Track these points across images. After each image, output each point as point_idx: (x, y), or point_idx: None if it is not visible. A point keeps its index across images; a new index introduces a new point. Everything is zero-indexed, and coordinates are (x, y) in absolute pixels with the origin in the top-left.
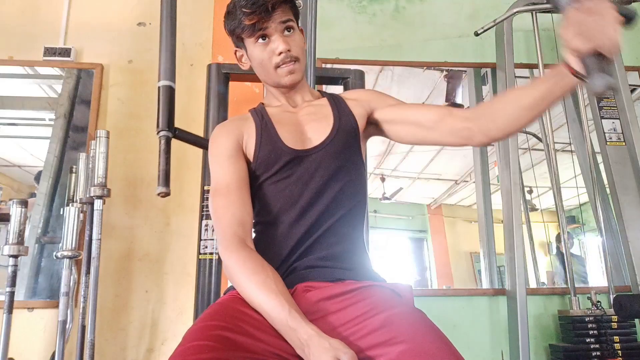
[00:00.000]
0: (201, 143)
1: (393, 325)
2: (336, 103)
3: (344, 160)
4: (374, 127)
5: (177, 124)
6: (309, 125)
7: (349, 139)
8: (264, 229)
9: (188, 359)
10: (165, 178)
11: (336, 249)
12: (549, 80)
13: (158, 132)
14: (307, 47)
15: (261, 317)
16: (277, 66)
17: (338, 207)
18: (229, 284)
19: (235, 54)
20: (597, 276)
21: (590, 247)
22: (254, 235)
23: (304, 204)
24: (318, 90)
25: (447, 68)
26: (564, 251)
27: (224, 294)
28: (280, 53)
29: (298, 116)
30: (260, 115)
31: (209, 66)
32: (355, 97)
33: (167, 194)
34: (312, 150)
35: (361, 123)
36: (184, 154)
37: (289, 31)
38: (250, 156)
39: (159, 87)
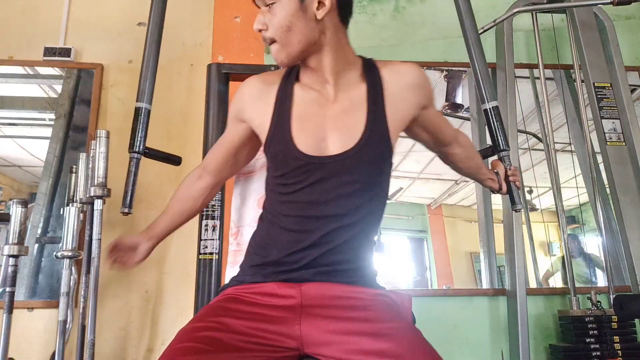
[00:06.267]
0: (172, 160)
1: (387, 339)
2: (375, 98)
3: (366, 176)
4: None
5: (177, 124)
6: (335, 126)
7: (376, 152)
8: (269, 225)
9: None
10: (130, 199)
11: (340, 266)
12: (487, 176)
13: (130, 153)
14: None
15: (251, 309)
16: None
17: (350, 226)
18: (225, 282)
19: None
20: (597, 276)
21: (591, 247)
22: (258, 223)
23: (310, 215)
24: (362, 60)
25: (447, 68)
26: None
27: (219, 291)
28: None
29: (326, 111)
30: (282, 97)
31: (209, 66)
32: (400, 85)
33: (128, 214)
34: (328, 159)
35: (395, 135)
36: (183, 154)
37: (267, 5)
38: (263, 137)
39: (135, 108)
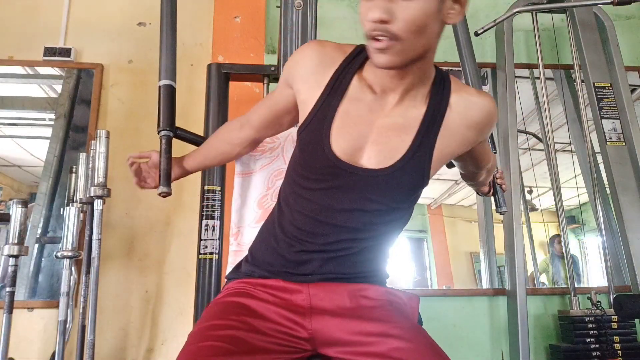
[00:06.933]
0: (202, 143)
1: (395, 339)
2: (430, 125)
3: (390, 199)
4: None
5: (177, 124)
6: (377, 140)
7: (409, 180)
8: (281, 215)
9: None
10: (167, 178)
11: (347, 275)
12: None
13: (159, 132)
14: None
15: (266, 307)
16: (366, 35)
17: (363, 240)
18: (226, 278)
19: None
20: (597, 276)
21: (591, 247)
22: (274, 206)
23: (322, 220)
24: (436, 73)
25: (447, 68)
26: (562, 252)
27: (227, 279)
28: (371, 22)
29: (375, 118)
30: (339, 80)
31: (209, 66)
32: (464, 117)
33: (168, 194)
34: (357, 170)
35: (436, 168)
36: (184, 152)
37: None
38: (302, 117)
39: (159, 87)
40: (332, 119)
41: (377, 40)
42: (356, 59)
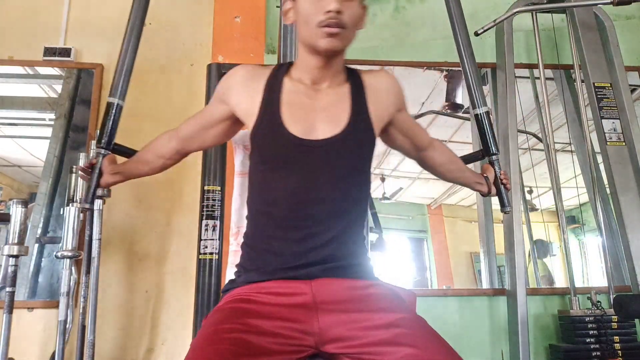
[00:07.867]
0: None
1: (399, 328)
2: (357, 94)
3: (351, 161)
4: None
5: (177, 124)
6: (323, 116)
7: (361, 138)
8: (260, 216)
9: None
10: (92, 195)
11: (344, 261)
12: (473, 180)
13: (97, 148)
14: None
15: (269, 309)
16: (320, 25)
17: (342, 214)
18: (226, 282)
19: (283, 5)
20: (597, 276)
21: (591, 247)
22: (247, 221)
23: (301, 200)
24: (347, 68)
25: (447, 68)
26: (565, 253)
27: (222, 293)
28: (329, 12)
29: (314, 102)
30: (271, 86)
31: (209, 66)
32: (379, 87)
33: (89, 210)
34: (317, 143)
35: (377, 126)
36: None
37: None
38: (251, 121)
39: (107, 103)
40: (279, 110)
41: (331, 27)
42: (281, 69)
